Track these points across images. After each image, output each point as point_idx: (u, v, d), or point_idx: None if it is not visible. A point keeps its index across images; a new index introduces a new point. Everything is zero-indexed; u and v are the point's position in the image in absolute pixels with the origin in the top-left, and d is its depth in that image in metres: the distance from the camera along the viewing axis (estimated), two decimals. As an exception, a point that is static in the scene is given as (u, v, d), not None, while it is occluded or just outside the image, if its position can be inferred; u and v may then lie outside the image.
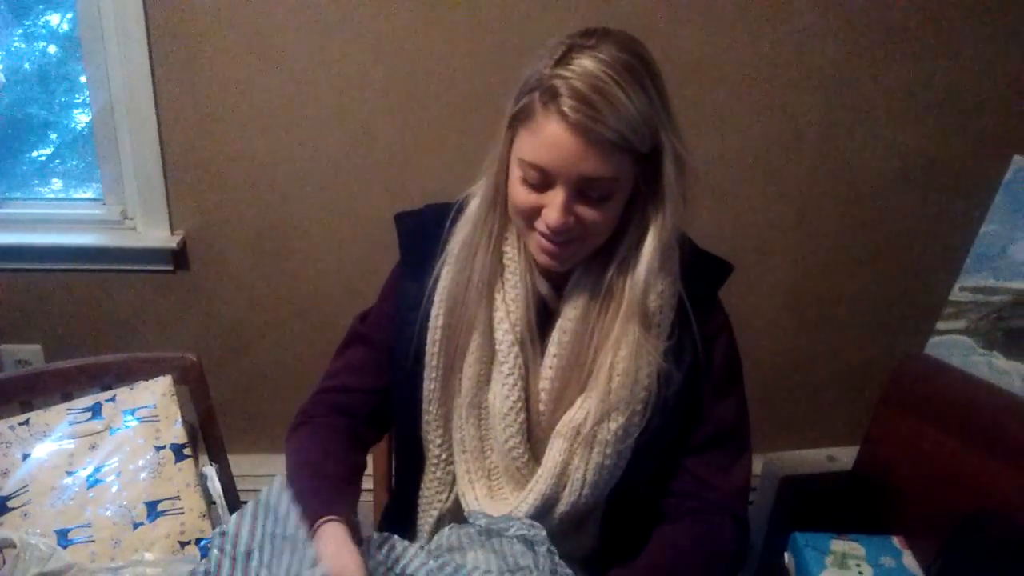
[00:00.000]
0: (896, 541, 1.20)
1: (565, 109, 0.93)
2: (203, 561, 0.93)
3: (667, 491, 1.18)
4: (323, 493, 1.07)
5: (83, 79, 1.98)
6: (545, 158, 0.97)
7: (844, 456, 1.80)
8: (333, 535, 1.01)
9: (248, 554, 0.90)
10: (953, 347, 2.05)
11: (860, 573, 1.13)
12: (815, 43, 1.92)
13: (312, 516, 1.02)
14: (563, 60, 0.95)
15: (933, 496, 1.48)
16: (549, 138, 0.96)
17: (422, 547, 1.07)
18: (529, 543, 1.03)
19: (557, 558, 1.02)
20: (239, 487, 1.48)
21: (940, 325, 2.12)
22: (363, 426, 1.23)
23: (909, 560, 1.17)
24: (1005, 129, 2.02)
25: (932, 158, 2.06)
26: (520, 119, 0.99)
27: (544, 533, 1.04)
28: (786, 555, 1.22)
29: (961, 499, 1.42)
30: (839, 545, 1.18)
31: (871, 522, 1.52)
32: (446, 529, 1.12)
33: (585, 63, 0.94)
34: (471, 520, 1.08)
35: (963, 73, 1.97)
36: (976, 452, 1.43)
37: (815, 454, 2.23)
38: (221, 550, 0.91)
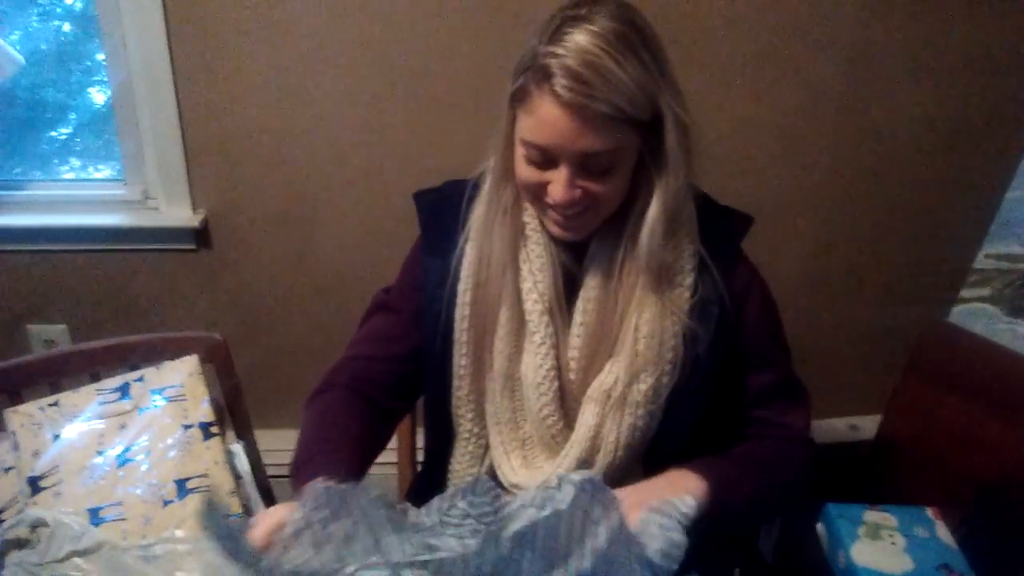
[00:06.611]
0: (929, 512, 1.21)
1: (558, 89, 0.93)
2: None
3: (737, 438, 1.20)
4: (315, 461, 1.04)
5: (100, 57, 1.97)
6: (543, 138, 0.97)
7: (866, 425, 1.80)
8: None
9: None
10: (977, 315, 2.03)
11: (893, 543, 1.13)
12: (835, 6, 1.89)
13: (300, 482, 0.98)
14: (555, 36, 0.95)
15: (956, 465, 1.47)
16: (545, 118, 0.96)
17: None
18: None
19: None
20: (265, 462, 1.49)
21: (964, 293, 2.11)
22: (385, 396, 1.22)
23: (942, 531, 1.17)
24: (1030, 93, 1.99)
25: (955, 123, 2.02)
26: (518, 99, 1.00)
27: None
28: (818, 525, 1.23)
29: (985, 468, 1.42)
30: (872, 516, 1.19)
31: (893, 491, 1.52)
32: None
33: (577, 38, 0.93)
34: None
35: (987, 35, 1.93)
36: (1000, 421, 1.42)
37: (837, 423, 2.23)
38: None
